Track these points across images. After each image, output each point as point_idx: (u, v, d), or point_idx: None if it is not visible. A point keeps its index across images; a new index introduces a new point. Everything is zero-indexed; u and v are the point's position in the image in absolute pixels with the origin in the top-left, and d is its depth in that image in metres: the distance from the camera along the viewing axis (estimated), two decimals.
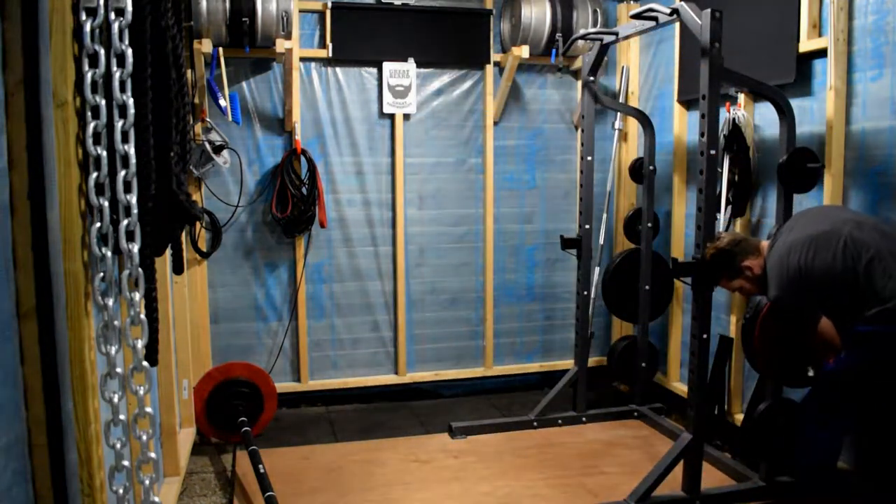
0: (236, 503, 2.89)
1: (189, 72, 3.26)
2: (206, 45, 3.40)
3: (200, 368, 3.65)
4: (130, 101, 1.53)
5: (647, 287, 3.73)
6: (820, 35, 2.90)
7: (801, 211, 2.64)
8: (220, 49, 3.48)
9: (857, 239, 2.29)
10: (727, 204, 3.28)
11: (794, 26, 2.95)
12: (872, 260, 2.25)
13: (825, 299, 2.38)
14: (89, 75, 1.49)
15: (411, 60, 4.00)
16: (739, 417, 3.34)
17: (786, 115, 2.77)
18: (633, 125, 4.23)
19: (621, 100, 4.22)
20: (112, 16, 1.50)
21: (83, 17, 1.48)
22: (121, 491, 1.61)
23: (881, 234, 2.32)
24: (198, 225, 3.69)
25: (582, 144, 3.65)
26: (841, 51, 2.75)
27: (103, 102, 1.52)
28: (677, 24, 3.44)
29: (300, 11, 3.83)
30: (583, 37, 3.49)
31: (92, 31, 1.48)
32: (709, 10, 2.61)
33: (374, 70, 4.00)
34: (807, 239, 2.36)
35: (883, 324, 2.27)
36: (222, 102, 3.51)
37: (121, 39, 1.51)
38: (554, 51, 3.96)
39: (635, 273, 3.77)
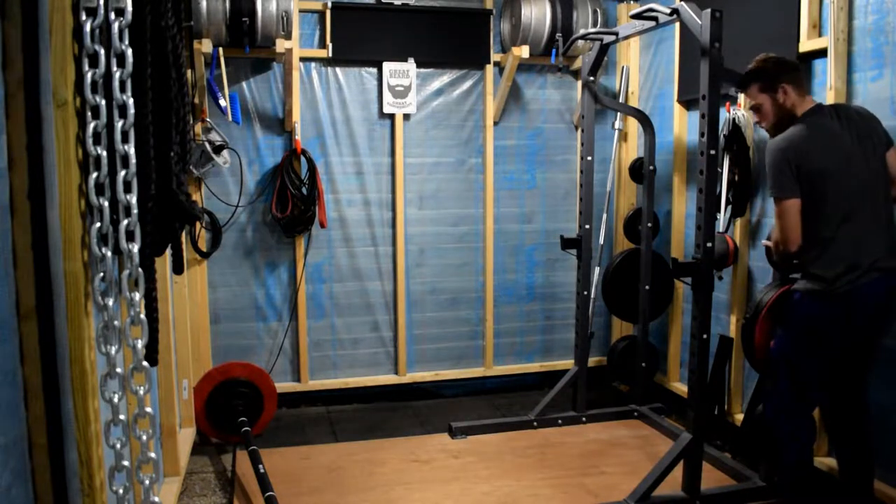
0: (236, 503, 2.89)
1: (189, 72, 3.26)
2: (206, 45, 3.40)
3: (200, 368, 3.66)
4: (130, 101, 1.53)
5: (647, 287, 3.73)
6: (820, 35, 2.90)
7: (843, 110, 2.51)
8: (220, 49, 3.48)
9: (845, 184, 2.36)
10: (727, 204, 3.28)
11: (794, 26, 2.95)
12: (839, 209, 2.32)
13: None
14: (89, 75, 1.49)
15: (411, 60, 4.00)
16: (739, 417, 3.34)
17: None
18: (633, 125, 4.23)
19: (621, 100, 4.22)
20: (112, 16, 1.50)
21: (83, 17, 1.48)
22: (121, 491, 1.61)
23: (873, 198, 2.38)
24: (198, 225, 3.69)
25: (582, 144, 3.65)
26: (841, 51, 2.75)
27: (103, 102, 1.51)
28: (677, 24, 3.44)
29: (300, 11, 3.83)
30: (583, 37, 3.49)
31: (92, 31, 1.48)
32: (709, 10, 2.61)
33: (374, 70, 4.00)
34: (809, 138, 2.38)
35: (803, 294, 2.41)
36: (222, 102, 3.51)
37: (121, 39, 1.51)
38: (554, 51, 3.96)
39: (635, 273, 3.77)
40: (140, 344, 1.61)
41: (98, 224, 1.53)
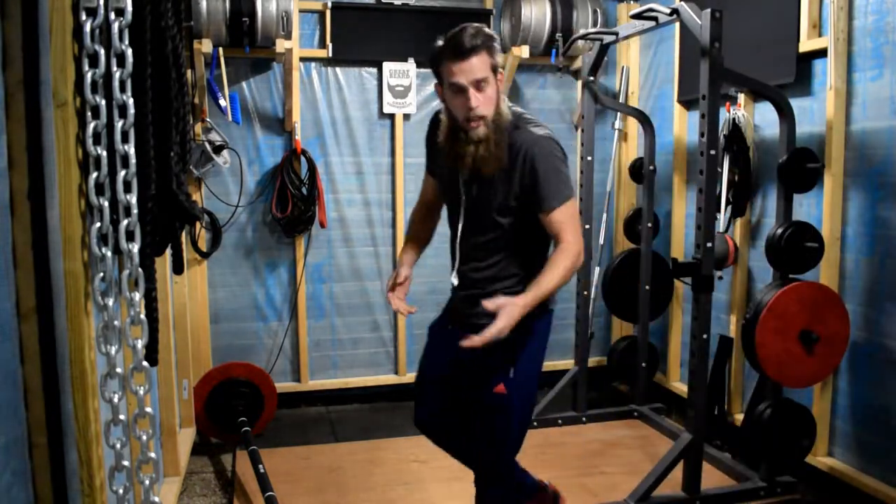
0: (236, 503, 2.89)
1: (189, 72, 3.26)
2: (206, 45, 3.40)
3: (200, 368, 3.65)
4: (130, 101, 1.53)
5: (647, 287, 3.73)
6: (820, 35, 2.90)
7: None
8: (220, 49, 3.48)
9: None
10: (727, 204, 3.29)
11: (794, 26, 2.95)
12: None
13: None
14: (89, 75, 1.49)
15: (411, 60, 4.00)
16: (739, 417, 3.34)
17: (786, 115, 2.77)
18: (633, 125, 4.23)
19: (621, 100, 4.22)
20: (112, 16, 1.50)
21: (83, 17, 1.47)
22: (121, 491, 1.61)
23: None
24: (198, 225, 3.69)
25: (582, 144, 3.65)
26: (841, 51, 2.75)
27: (103, 102, 1.51)
28: (677, 24, 3.43)
29: (300, 11, 3.82)
30: (583, 37, 3.48)
31: (92, 31, 1.48)
32: (709, 10, 2.61)
33: (373, 70, 4.00)
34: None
35: (543, 315, 2.08)
36: (222, 102, 3.51)
37: (121, 39, 1.51)
38: (554, 51, 3.96)
39: (635, 273, 3.77)
40: (140, 344, 1.60)
41: (98, 224, 1.53)
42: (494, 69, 1.87)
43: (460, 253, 2.07)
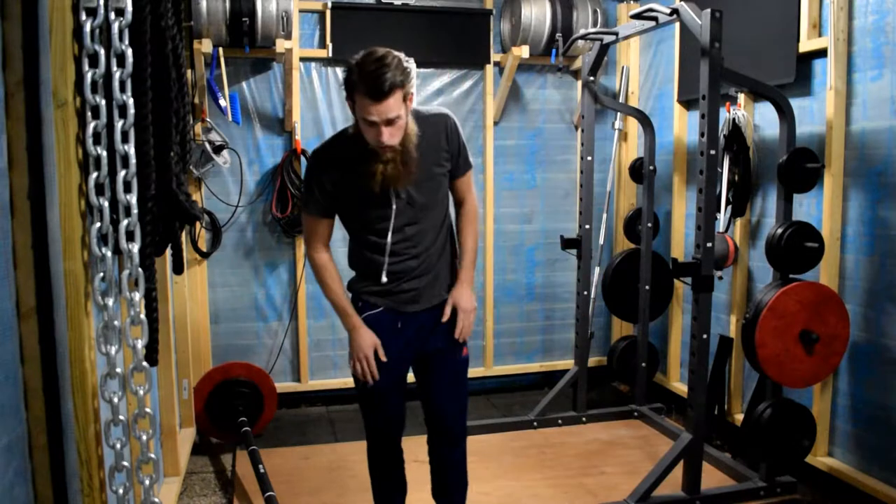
0: (236, 503, 2.89)
1: (189, 72, 3.26)
2: (206, 45, 3.40)
3: (200, 368, 3.66)
4: (130, 101, 1.53)
5: (647, 287, 3.73)
6: (820, 35, 2.90)
7: None
8: (220, 49, 3.48)
9: None
10: (727, 204, 3.29)
11: (794, 26, 2.95)
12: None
13: None
14: (89, 75, 1.49)
15: (411, 60, 3.98)
16: (739, 417, 3.34)
17: (786, 115, 2.77)
18: (633, 125, 4.23)
19: (621, 100, 4.22)
20: (112, 16, 1.50)
21: (83, 17, 1.48)
22: (121, 491, 1.61)
23: None
24: (198, 225, 3.69)
25: (582, 144, 3.65)
26: (841, 51, 2.75)
27: (103, 102, 1.52)
28: (677, 24, 3.44)
29: (300, 11, 3.83)
30: (583, 37, 3.49)
31: (92, 31, 1.48)
32: (709, 10, 2.61)
33: None
34: None
35: None
36: (222, 102, 3.51)
37: (121, 39, 1.51)
38: (554, 51, 3.96)
39: (635, 273, 3.77)
40: (140, 344, 1.61)
41: (98, 224, 1.54)
42: (406, 97, 1.97)
43: (391, 252, 2.13)
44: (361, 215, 2.16)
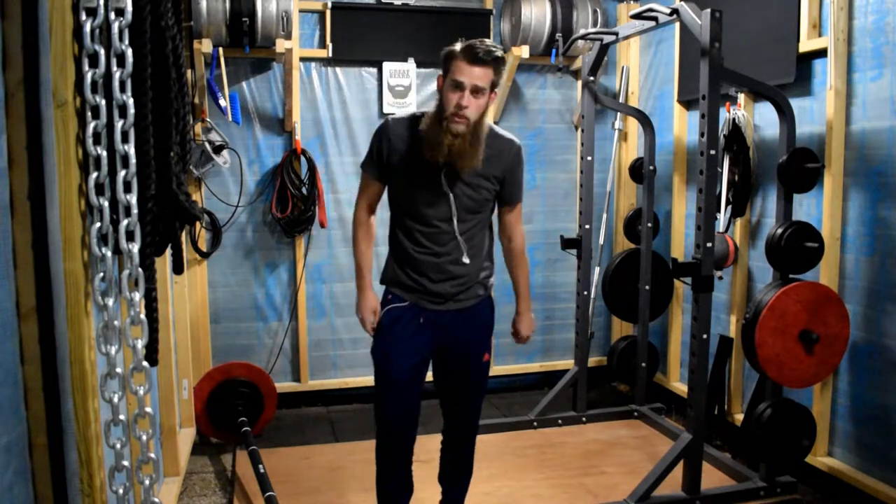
0: (236, 503, 2.89)
1: (189, 72, 3.26)
2: (206, 45, 3.40)
3: (200, 368, 3.66)
4: (130, 101, 1.53)
5: (647, 287, 3.73)
6: (820, 35, 2.90)
7: None
8: (220, 49, 3.48)
9: None
10: (727, 204, 3.29)
11: (794, 26, 2.95)
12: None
13: None
14: (89, 75, 1.49)
15: (411, 60, 4.00)
16: (739, 417, 3.34)
17: (786, 115, 2.77)
18: (633, 125, 4.23)
19: (621, 100, 4.22)
20: (112, 16, 1.50)
21: (83, 17, 1.48)
22: (121, 491, 1.61)
23: None
24: (198, 225, 3.69)
25: (582, 144, 3.65)
26: (841, 51, 2.76)
27: (103, 102, 1.51)
28: (677, 24, 3.44)
29: (300, 11, 3.83)
30: (583, 37, 3.49)
31: (92, 31, 1.48)
32: (709, 10, 2.61)
33: (374, 70, 4.00)
34: None
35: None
36: (222, 102, 3.51)
37: (121, 39, 1.51)
38: (554, 51, 3.96)
39: (635, 273, 3.77)
40: (140, 344, 1.61)
41: (98, 224, 1.53)
42: (493, 85, 2.09)
43: (431, 239, 2.24)
44: (412, 196, 2.22)
